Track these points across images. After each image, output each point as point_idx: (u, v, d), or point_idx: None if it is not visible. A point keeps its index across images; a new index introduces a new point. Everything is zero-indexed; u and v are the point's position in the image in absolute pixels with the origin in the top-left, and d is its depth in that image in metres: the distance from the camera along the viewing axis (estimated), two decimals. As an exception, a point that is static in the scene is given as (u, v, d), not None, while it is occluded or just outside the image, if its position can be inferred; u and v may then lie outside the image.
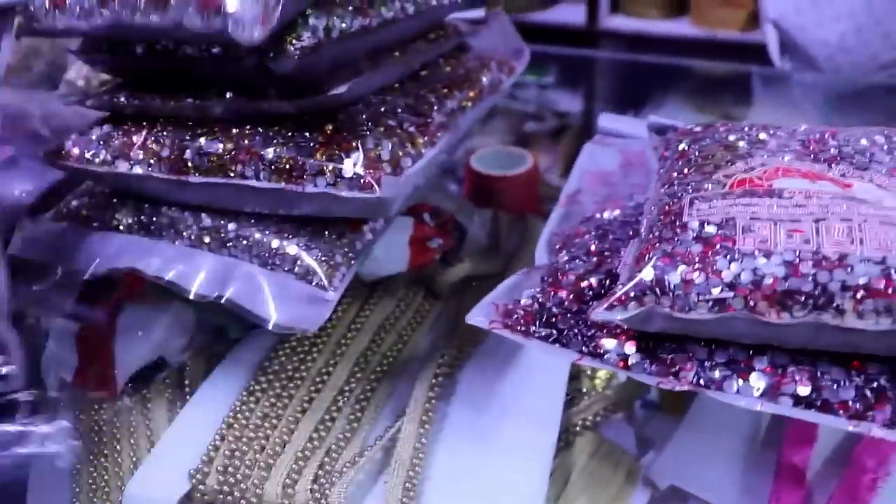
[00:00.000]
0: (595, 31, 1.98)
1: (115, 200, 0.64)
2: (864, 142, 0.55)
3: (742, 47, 1.90)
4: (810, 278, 0.43)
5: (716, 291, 0.44)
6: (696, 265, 0.45)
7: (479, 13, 0.76)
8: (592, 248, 0.57)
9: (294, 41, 0.53)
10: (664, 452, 0.61)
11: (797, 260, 0.43)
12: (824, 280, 0.43)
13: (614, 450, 0.62)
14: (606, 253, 0.56)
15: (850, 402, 0.44)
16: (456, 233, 0.72)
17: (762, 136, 0.57)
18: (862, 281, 0.42)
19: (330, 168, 0.54)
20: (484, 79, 0.72)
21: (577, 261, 0.56)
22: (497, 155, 0.99)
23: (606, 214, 0.63)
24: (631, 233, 0.59)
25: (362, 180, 0.53)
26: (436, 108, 0.64)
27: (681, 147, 0.59)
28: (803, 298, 0.43)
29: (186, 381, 0.67)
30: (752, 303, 0.44)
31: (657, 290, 0.45)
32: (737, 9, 1.87)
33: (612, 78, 2.12)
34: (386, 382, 0.64)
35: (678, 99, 2.03)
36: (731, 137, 0.57)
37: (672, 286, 0.45)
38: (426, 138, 0.60)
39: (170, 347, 0.68)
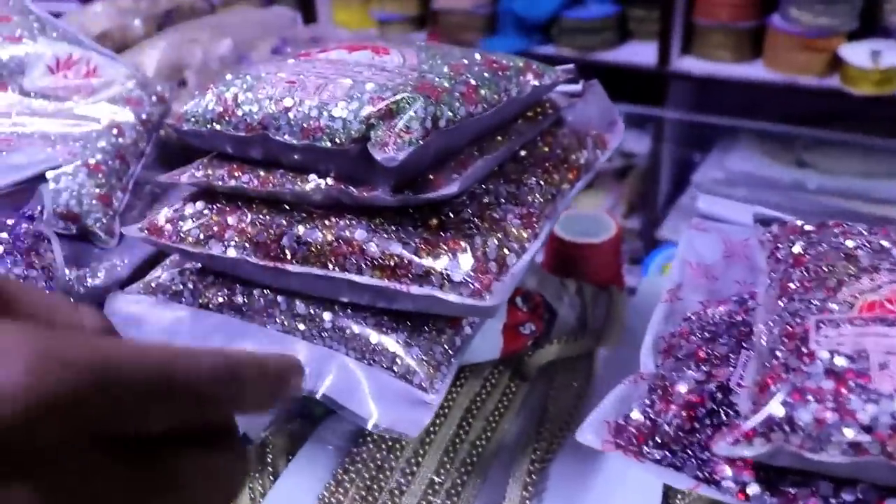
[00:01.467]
0: (666, 72, 1.94)
1: (207, 278, 0.63)
2: None
3: (818, 93, 1.85)
4: (958, 425, 0.40)
5: (850, 434, 0.42)
6: (829, 403, 0.42)
7: (576, 87, 0.74)
8: (701, 354, 0.55)
9: (402, 133, 0.52)
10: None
11: (943, 405, 0.41)
12: (975, 428, 0.40)
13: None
14: (716, 361, 0.54)
15: None
16: (546, 314, 0.70)
17: (884, 243, 0.54)
18: None
19: (437, 270, 0.52)
20: (581, 158, 0.70)
21: (685, 369, 0.53)
22: (579, 220, 0.97)
23: (710, 311, 0.60)
24: (738, 334, 0.57)
25: (472, 286, 0.52)
26: (538, 195, 0.62)
27: (795, 250, 0.56)
28: (950, 446, 0.40)
29: (269, 459, 0.65)
30: (890, 448, 0.41)
31: (786, 427, 0.43)
32: (816, 53, 1.82)
33: (681, 119, 2.09)
34: (476, 474, 0.62)
35: (748, 144, 1.99)
36: (850, 244, 0.54)
37: (802, 425, 0.42)
38: (529, 231, 0.58)
39: (253, 423, 0.67)
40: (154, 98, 0.87)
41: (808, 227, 0.59)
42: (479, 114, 0.57)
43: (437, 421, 0.66)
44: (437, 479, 0.62)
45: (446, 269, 0.52)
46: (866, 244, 0.54)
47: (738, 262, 0.65)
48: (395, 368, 0.55)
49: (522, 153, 0.66)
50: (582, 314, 0.79)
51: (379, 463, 0.62)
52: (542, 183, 0.63)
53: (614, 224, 0.95)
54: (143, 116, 0.85)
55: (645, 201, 2.08)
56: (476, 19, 2.09)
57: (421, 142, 0.52)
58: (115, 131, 0.82)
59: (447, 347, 0.56)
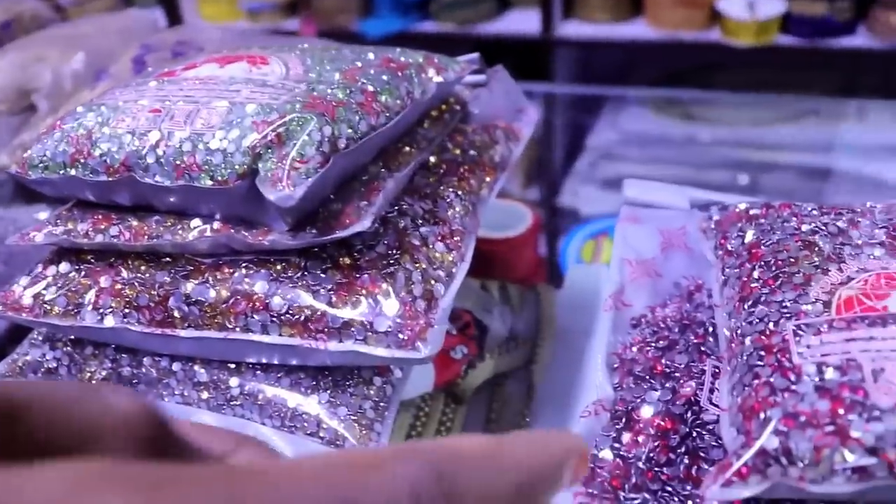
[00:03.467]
0: (550, 38, 1.90)
1: (86, 349, 0.54)
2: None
3: (701, 46, 1.84)
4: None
5: (852, 459, 0.36)
6: (827, 427, 0.37)
7: (481, 77, 0.67)
8: (659, 367, 0.49)
9: (297, 163, 0.44)
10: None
11: (947, 413, 0.36)
12: None
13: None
14: (678, 374, 0.49)
15: None
16: (476, 331, 0.63)
17: (840, 224, 0.49)
18: None
19: (357, 321, 0.44)
20: (495, 156, 0.63)
21: (646, 389, 0.48)
22: (492, 211, 0.91)
23: (659, 314, 0.55)
24: (694, 337, 0.52)
25: (401, 335, 0.44)
26: (457, 208, 0.54)
27: (747, 240, 0.51)
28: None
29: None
30: (899, 469, 0.36)
31: (783, 460, 0.37)
32: (695, 8, 1.80)
33: (568, 84, 2.05)
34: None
35: (638, 103, 1.97)
36: (805, 228, 0.49)
37: (801, 455, 0.37)
38: (455, 253, 0.51)
39: None
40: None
41: (753, 211, 0.54)
42: (382, 125, 0.50)
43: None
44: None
45: (368, 319, 0.44)
46: (822, 227, 0.49)
47: (679, 253, 0.60)
48: (320, 435, 0.47)
49: (433, 160, 0.58)
50: (512, 322, 0.73)
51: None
52: (460, 193, 0.56)
53: (529, 212, 0.89)
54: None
55: (541, 171, 2.04)
56: (350, 2, 1.99)
57: (320, 170, 0.44)
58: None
59: (378, 401, 0.49)
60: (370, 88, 0.50)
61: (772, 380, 0.40)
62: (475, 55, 0.62)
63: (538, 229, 0.89)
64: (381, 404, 0.49)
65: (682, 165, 2.07)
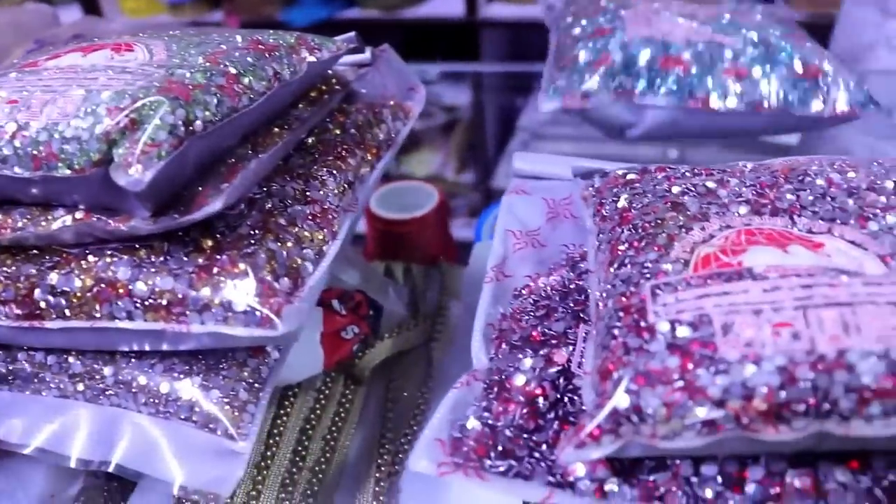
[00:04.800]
0: (475, 20, 1.89)
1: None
2: (820, 182, 0.49)
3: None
4: (809, 384, 0.36)
5: (702, 413, 0.37)
6: (676, 383, 0.38)
7: (365, 56, 0.67)
8: (535, 335, 0.50)
9: (148, 147, 0.43)
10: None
11: (791, 364, 0.37)
12: (825, 385, 0.36)
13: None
14: (553, 340, 0.49)
15: (860, 509, 0.38)
16: (371, 311, 0.63)
17: (709, 184, 0.50)
18: (867, 381, 0.36)
19: (217, 302, 0.44)
20: (380, 134, 0.63)
21: (520, 357, 0.48)
22: (399, 192, 0.91)
23: (542, 283, 0.55)
24: (574, 304, 0.52)
25: (258, 314, 0.44)
26: (332, 187, 0.54)
27: (620, 204, 0.51)
28: (803, 409, 0.36)
29: (84, 533, 0.56)
30: (744, 420, 0.37)
31: (634, 418, 0.38)
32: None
33: (497, 66, 2.05)
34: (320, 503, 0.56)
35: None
36: (675, 189, 0.50)
37: (651, 412, 0.38)
38: (326, 231, 0.51)
39: (59, 499, 0.58)
40: None
41: (630, 176, 0.54)
42: (245, 106, 0.49)
43: (269, 452, 0.59)
44: (275, 520, 0.54)
45: (226, 299, 0.44)
46: (691, 188, 0.50)
47: (564, 223, 0.61)
48: (194, 419, 0.47)
49: (310, 141, 0.58)
50: (412, 301, 0.73)
51: (208, 510, 0.54)
52: (335, 172, 0.56)
53: (435, 192, 0.89)
54: None
55: (475, 154, 2.04)
56: (273, -10, 1.97)
57: (173, 153, 0.44)
58: None
59: (252, 382, 0.49)
60: (232, 71, 0.50)
61: (626, 340, 0.41)
62: (352, 34, 0.62)
63: (445, 209, 0.89)
64: (256, 385, 0.49)
65: (612, 142, 2.09)
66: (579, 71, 0.73)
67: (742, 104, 0.70)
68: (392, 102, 0.67)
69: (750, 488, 0.39)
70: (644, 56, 0.71)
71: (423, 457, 0.42)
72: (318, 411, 0.63)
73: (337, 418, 0.63)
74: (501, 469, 0.42)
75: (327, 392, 0.64)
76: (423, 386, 0.65)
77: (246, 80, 0.50)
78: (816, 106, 0.70)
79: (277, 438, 0.60)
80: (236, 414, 0.47)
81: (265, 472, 0.58)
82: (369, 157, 0.60)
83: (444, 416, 0.44)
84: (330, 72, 0.64)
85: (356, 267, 0.72)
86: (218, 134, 0.47)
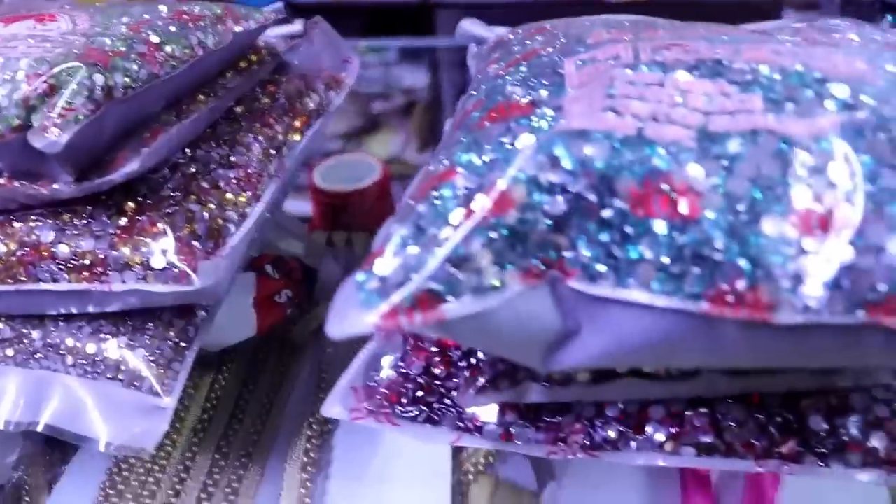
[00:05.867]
0: (429, 2, 1.90)
1: None
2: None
3: (579, 3, 1.87)
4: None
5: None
6: None
7: (296, 27, 0.68)
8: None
9: (65, 111, 0.44)
10: (562, 481, 0.56)
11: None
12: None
13: (513, 489, 0.57)
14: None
15: (755, 442, 0.41)
16: (304, 277, 0.65)
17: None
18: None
19: (137, 260, 0.46)
20: (310, 102, 0.64)
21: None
22: (342, 166, 0.92)
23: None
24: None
25: (176, 270, 0.45)
26: (257, 153, 0.56)
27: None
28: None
29: (26, 499, 0.58)
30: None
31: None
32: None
33: (455, 44, 2.06)
34: (255, 466, 0.57)
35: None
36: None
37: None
38: (249, 193, 0.53)
39: (-1, 466, 0.59)
40: None
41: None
42: (166, 74, 0.50)
43: (206, 416, 0.60)
44: (209, 480, 0.56)
45: (146, 258, 0.46)
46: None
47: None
48: (120, 377, 0.48)
49: (239, 109, 0.59)
50: (350, 268, 0.75)
51: (149, 468, 0.56)
52: (261, 138, 0.57)
53: (378, 165, 0.91)
54: None
55: (435, 134, 2.05)
56: (226, -28, 1.96)
57: (90, 117, 0.45)
58: None
59: (178, 341, 0.50)
60: (154, 39, 0.51)
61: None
62: (279, 4, 0.63)
63: (388, 181, 0.91)
64: (182, 344, 0.50)
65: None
66: (433, 230, 0.33)
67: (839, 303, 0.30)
68: (325, 73, 0.69)
69: (650, 428, 0.42)
70: (593, 184, 0.32)
71: (336, 403, 0.44)
72: (255, 377, 0.64)
73: (274, 383, 0.64)
74: (412, 415, 0.44)
75: (263, 358, 0.66)
76: (358, 350, 0.67)
77: (168, 49, 0.51)
78: None
79: (215, 402, 0.62)
80: (161, 371, 0.48)
81: (201, 434, 0.59)
82: (298, 125, 0.61)
83: (361, 365, 0.46)
84: (261, 42, 0.65)
85: (295, 236, 0.73)
86: (138, 100, 0.49)
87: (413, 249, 0.32)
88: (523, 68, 0.41)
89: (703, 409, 0.41)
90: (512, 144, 0.34)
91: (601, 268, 0.31)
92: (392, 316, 0.31)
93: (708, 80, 0.34)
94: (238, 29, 0.58)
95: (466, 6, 1.94)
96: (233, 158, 0.54)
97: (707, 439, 0.41)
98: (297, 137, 0.60)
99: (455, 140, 0.38)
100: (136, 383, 0.48)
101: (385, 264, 0.32)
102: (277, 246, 0.70)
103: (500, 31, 0.59)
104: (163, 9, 0.56)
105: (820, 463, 0.40)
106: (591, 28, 0.45)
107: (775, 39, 0.41)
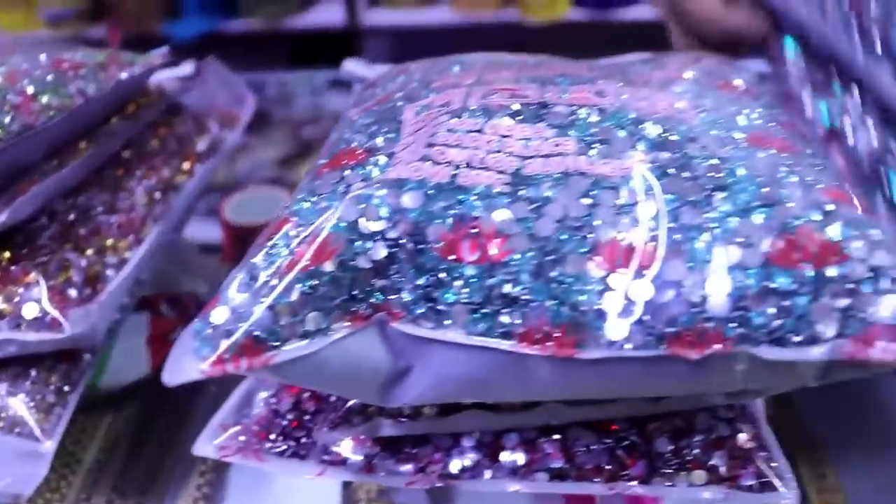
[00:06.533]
0: (357, 29, 1.93)
1: None
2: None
3: (503, 26, 1.91)
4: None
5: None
6: None
7: (186, 69, 0.70)
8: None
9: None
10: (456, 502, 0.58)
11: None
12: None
13: (407, 515, 0.58)
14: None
15: (605, 466, 0.43)
16: (204, 313, 0.66)
17: None
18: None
19: (9, 310, 0.47)
20: (202, 143, 0.66)
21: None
22: (253, 199, 0.94)
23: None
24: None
25: (48, 318, 0.46)
26: (141, 197, 0.57)
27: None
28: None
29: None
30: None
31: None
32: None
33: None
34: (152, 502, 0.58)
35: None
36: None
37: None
38: (131, 238, 0.54)
39: None
40: None
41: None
42: (43, 124, 0.52)
43: (102, 455, 0.61)
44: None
45: (18, 307, 0.47)
46: None
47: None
48: (0, 424, 0.49)
49: (126, 154, 0.61)
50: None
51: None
52: (146, 182, 0.58)
53: (287, 197, 0.92)
54: None
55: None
56: (154, 5, 1.97)
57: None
58: None
59: (61, 385, 0.51)
60: (30, 90, 0.52)
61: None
62: (164, 49, 0.65)
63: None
64: (65, 388, 0.51)
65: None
66: (263, 279, 0.34)
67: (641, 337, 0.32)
68: (219, 112, 0.70)
69: (504, 455, 0.43)
70: (409, 231, 0.34)
71: (206, 441, 0.45)
72: (156, 414, 0.65)
73: (174, 420, 0.65)
74: (280, 450, 0.45)
75: (165, 395, 0.66)
76: (258, 383, 0.68)
77: (45, 99, 0.52)
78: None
79: (112, 442, 0.62)
80: (42, 416, 0.49)
81: (97, 475, 0.60)
82: (187, 167, 0.63)
83: (233, 404, 0.47)
84: (152, 85, 0.67)
85: (198, 272, 0.74)
86: (13, 150, 0.50)
87: (243, 298, 0.34)
88: (371, 114, 0.42)
89: (555, 436, 0.43)
90: (345, 193, 0.36)
91: (421, 310, 0.33)
92: (219, 363, 0.32)
93: (528, 125, 0.37)
94: (123, 75, 0.59)
95: (392, 33, 1.98)
96: (116, 204, 0.55)
97: (558, 465, 0.42)
98: (184, 179, 0.62)
99: (300, 187, 0.39)
100: (16, 429, 0.49)
101: (218, 313, 0.34)
102: (179, 282, 0.71)
103: (379, 70, 0.61)
104: (42, 58, 0.57)
105: (667, 483, 0.43)
106: (444, 70, 0.47)
107: (614, 77, 0.44)
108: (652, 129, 0.37)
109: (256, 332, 0.33)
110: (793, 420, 0.61)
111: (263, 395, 0.48)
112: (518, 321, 0.32)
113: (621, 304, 0.32)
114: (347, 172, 0.37)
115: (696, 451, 0.43)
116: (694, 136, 0.37)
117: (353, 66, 0.64)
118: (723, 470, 0.43)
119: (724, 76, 0.47)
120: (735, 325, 0.32)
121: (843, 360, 0.32)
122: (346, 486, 0.58)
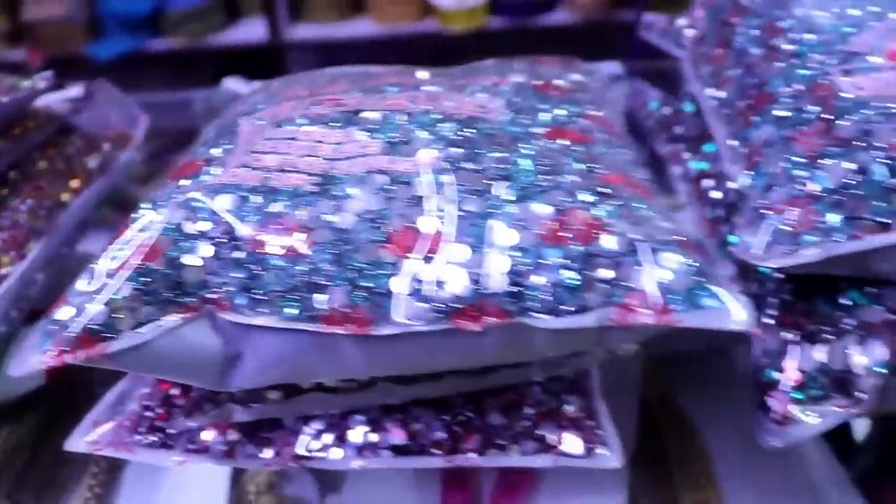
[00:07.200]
0: (280, 44, 1.96)
1: None
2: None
3: (422, 38, 1.96)
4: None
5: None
6: None
7: (75, 91, 0.73)
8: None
9: None
10: (343, 491, 0.61)
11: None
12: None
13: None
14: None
15: (443, 440, 0.46)
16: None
17: None
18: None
19: None
20: (92, 161, 0.69)
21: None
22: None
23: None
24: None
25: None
26: (24, 215, 0.60)
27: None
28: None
29: None
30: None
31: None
32: (408, 2, 1.91)
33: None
34: (44, 506, 0.61)
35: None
36: None
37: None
38: (13, 253, 0.57)
39: None
40: None
41: None
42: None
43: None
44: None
45: None
46: None
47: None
48: None
49: (12, 174, 0.64)
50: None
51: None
52: (30, 200, 0.61)
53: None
54: None
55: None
56: (75, 26, 1.98)
57: None
58: None
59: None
60: None
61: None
62: (48, 72, 0.68)
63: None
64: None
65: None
66: (102, 278, 0.38)
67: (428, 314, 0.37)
68: (112, 131, 0.73)
69: (352, 435, 0.47)
70: (226, 230, 0.38)
71: (78, 437, 0.48)
72: (56, 421, 0.68)
73: (73, 428, 0.68)
74: (147, 442, 0.48)
75: (65, 403, 0.69)
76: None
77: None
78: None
79: (10, 451, 0.65)
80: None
81: (-5, 481, 0.62)
82: (76, 185, 0.66)
83: (108, 401, 0.51)
84: (41, 107, 0.70)
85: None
86: None
87: (84, 296, 0.37)
88: (215, 128, 0.46)
89: (397, 415, 0.47)
90: (177, 200, 0.40)
91: (242, 301, 0.37)
92: (59, 355, 0.36)
93: (340, 130, 0.41)
94: (4, 100, 0.62)
95: (316, 47, 2.01)
96: (0, 222, 0.58)
97: (400, 441, 0.46)
98: (69, 196, 0.65)
99: (146, 197, 0.43)
100: None
101: (63, 311, 0.38)
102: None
103: (255, 86, 0.65)
104: (-77, 86, 0.60)
105: (501, 454, 0.46)
106: (294, 85, 0.52)
107: (443, 83, 0.48)
108: (450, 129, 0.41)
109: (92, 326, 0.36)
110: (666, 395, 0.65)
111: (137, 392, 0.52)
112: (323, 306, 0.36)
113: (411, 285, 0.36)
114: (183, 182, 0.41)
115: (527, 423, 0.47)
116: (492, 133, 0.41)
117: (232, 84, 0.67)
118: (552, 439, 0.47)
119: (547, 78, 0.52)
120: (512, 299, 0.36)
121: (612, 325, 0.36)
122: (235, 481, 0.62)
